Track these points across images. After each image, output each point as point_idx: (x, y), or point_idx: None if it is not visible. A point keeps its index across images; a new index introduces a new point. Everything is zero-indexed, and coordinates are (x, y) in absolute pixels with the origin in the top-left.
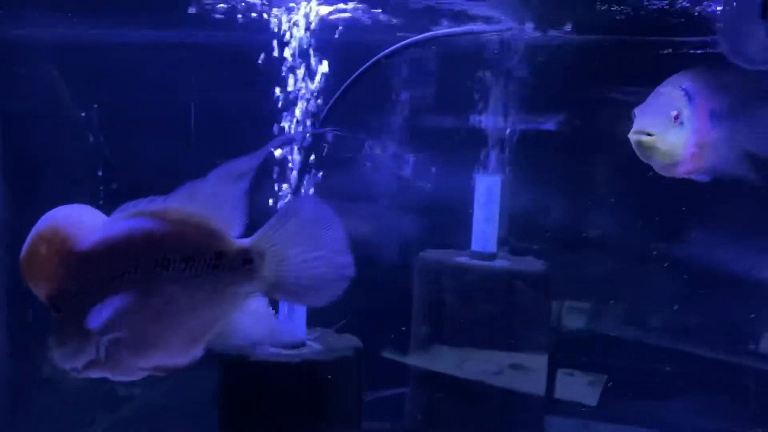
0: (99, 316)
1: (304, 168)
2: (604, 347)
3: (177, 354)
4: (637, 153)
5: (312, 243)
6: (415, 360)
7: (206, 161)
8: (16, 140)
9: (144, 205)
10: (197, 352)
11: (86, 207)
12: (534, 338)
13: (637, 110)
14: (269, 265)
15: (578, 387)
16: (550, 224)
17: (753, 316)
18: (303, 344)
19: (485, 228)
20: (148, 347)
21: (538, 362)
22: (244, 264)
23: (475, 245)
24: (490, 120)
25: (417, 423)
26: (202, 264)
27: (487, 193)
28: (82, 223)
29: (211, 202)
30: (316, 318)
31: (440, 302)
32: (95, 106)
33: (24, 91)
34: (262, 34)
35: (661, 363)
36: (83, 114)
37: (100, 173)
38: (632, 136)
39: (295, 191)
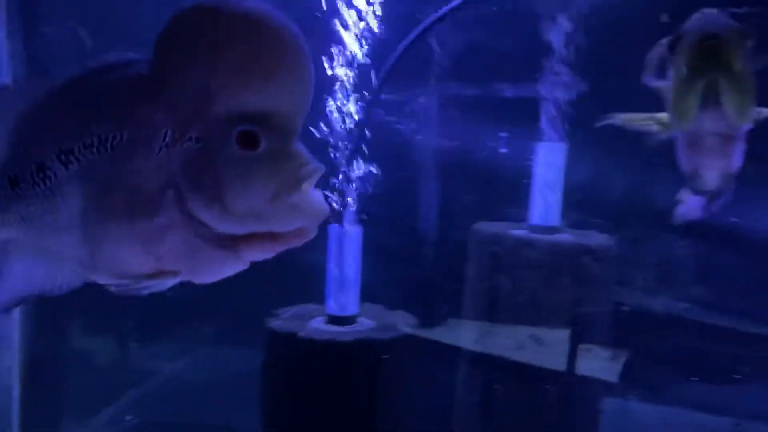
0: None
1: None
2: (663, 326)
3: None
4: (685, 99)
5: None
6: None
7: None
8: None
9: None
10: None
11: None
12: (599, 316)
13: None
14: None
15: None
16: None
17: None
18: (354, 320)
19: (548, 199)
20: None
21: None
22: None
23: (534, 218)
24: (549, 86)
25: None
26: None
27: (551, 163)
28: None
29: None
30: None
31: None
32: None
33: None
34: None
35: (722, 344)
36: None
37: None
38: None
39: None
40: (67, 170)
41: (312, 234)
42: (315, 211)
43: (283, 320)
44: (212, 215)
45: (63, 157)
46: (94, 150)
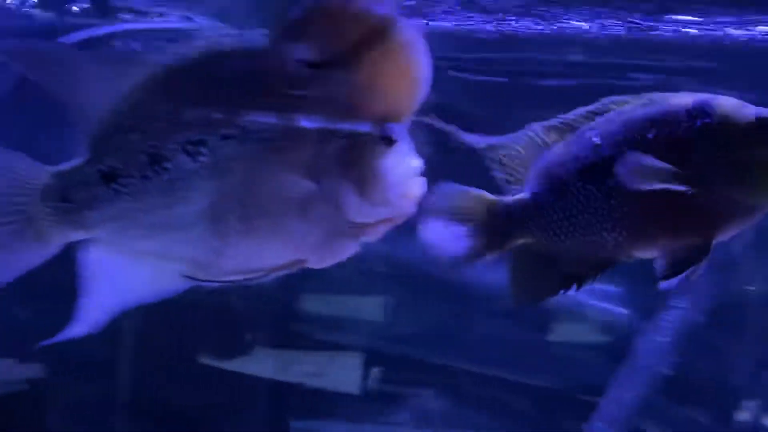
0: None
1: None
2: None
3: None
4: None
5: None
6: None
7: None
8: None
9: None
10: None
11: None
12: None
13: None
14: None
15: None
16: None
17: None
18: None
19: None
20: None
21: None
22: None
23: None
24: None
25: None
26: None
27: None
28: None
29: None
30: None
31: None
32: None
33: None
34: None
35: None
36: None
37: None
38: None
39: None
40: (196, 162)
41: (412, 211)
42: (418, 195)
43: None
44: (360, 207)
45: (190, 148)
46: (235, 142)
